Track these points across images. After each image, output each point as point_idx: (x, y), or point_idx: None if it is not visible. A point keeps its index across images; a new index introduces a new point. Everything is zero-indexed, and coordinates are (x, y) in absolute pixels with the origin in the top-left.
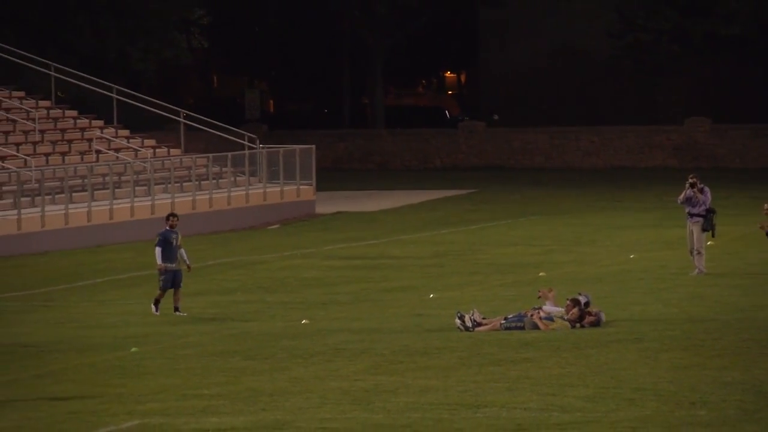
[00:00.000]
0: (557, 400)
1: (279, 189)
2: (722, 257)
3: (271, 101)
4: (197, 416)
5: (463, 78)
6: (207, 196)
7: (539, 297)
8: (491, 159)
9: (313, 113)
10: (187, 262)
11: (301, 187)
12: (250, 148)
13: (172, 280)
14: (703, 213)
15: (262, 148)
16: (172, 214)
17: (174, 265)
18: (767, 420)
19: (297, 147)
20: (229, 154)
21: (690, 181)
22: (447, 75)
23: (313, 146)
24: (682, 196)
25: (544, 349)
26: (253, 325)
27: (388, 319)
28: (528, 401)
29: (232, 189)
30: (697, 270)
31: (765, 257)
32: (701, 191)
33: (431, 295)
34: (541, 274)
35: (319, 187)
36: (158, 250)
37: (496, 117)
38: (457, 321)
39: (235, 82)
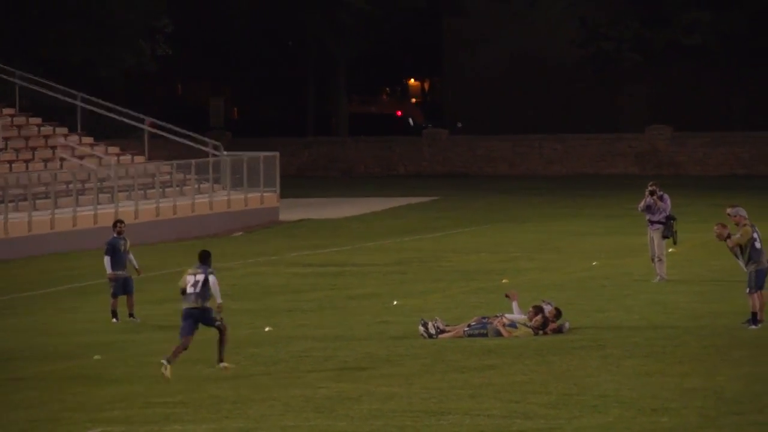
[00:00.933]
0: (520, 407)
1: (243, 196)
2: (683, 264)
3: (236, 109)
4: (160, 424)
5: (426, 86)
6: (171, 204)
7: (507, 297)
8: (455, 166)
9: (278, 121)
10: (136, 267)
11: (265, 194)
12: (214, 155)
13: (123, 287)
14: (663, 220)
15: (226, 155)
16: (119, 221)
17: (124, 272)
18: (729, 426)
19: (261, 154)
20: (193, 161)
21: (650, 189)
22: (411, 83)
23: (277, 153)
24: (642, 204)
25: (507, 356)
26: (216, 333)
27: (351, 326)
28: (491, 408)
29: (196, 196)
30: (658, 277)
31: (725, 264)
32: (661, 198)
33: (395, 303)
34: (504, 281)
35: (283, 194)
36: (107, 259)
37: (459, 125)
38: (421, 328)
39: (199, 89)
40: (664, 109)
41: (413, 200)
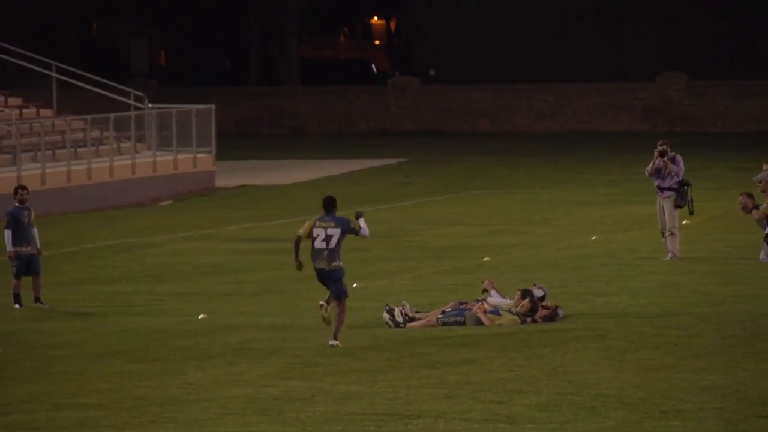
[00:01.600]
0: (504, 408)
1: (172, 158)
2: (700, 239)
3: (162, 53)
4: (73, 430)
5: (392, 25)
6: (85, 167)
7: (484, 290)
8: (426, 122)
9: (213, 67)
10: (38, 245)
11: (199, 155)
12: (136, 108)
13: (26, 266)
14: (676, 186)
15: (152, 108)
16: (21, 187)
17: (28, 248)
18: (752, 431)
19: (193, 107)
20: (112, 115)
21: (659, 149)
22: (374, 22)
23: (213, 106)
24: (650, 167)
25: (488, 349)
26: (140, 321)
27: (302, 313)
28: (469, 410)
29: (115, 158)
30: (670, 254)
31: (749, 239)
32: (673, 160)
33: (354, 285)
34: (485, 259)
35: (220, 156)
36: (8, 234)
37: (432, 72)
38: (386, 315)
39: (118, 29)
40: (677, 53)
41: (377, 163)
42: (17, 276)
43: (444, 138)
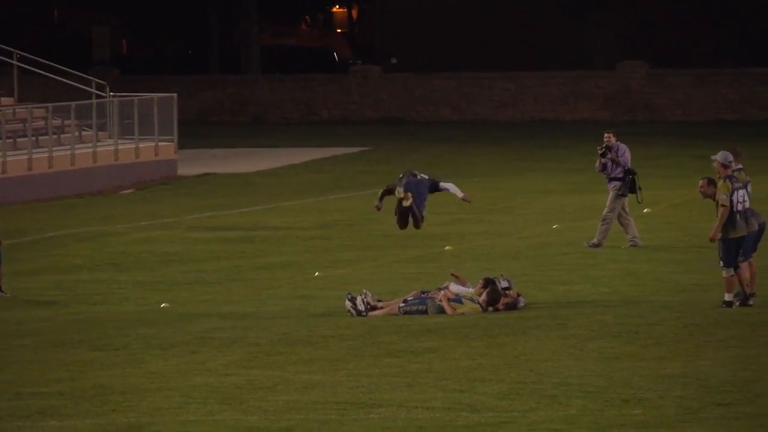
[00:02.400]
0: (466, 397)
1: (133, 146)
2: (661, 227)
3: (124, 41)
4: (33, 419)
5: (354, 13)
6: (46, 155)
7: (452, 275)
8: (388, 110)
9: (175, 56)
10: None
11: (160, 143)
12: (98, 96)
13: None
14: (621, 176)
15: (113, 96)
16: None
17: None
18: (713, 419)
19: (155, 95)
20: (73, 103)
21: (600, 151)
22: (335, 10)
23: (175, 95)
24: (597, 164)
25: (450, 338)
26: (101, 310)
27: (264, 301)
28: (431, 399)
29: (77, 146)
30: (595, 240)
31: (710, 227)
32: (617, 152)
33: (316, 274)
34: (447, 248)
35: (182, 144)
36: None
37: (394, 60)
38: (348, 304)
39: (80, 17)
40: (638, 41)
41: (339, 151)
42: None
43: (406, 126)
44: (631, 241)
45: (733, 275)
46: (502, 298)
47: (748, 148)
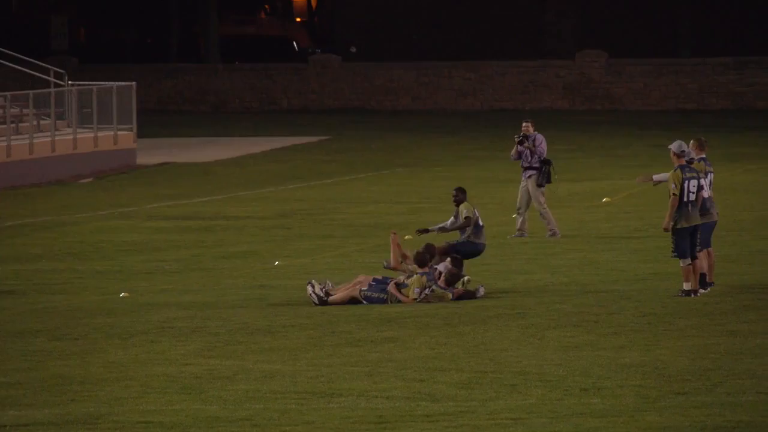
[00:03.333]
0: (425, 386)
1: (92, 135)
2: (619, 217)
3: (82, 29)
4: None
5: (314, 2)
6: (4, 144)
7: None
8: (348, 100)
9: (134, 44)
10: None
11: (119, 132)
12: (56, 85)
13: None
14: (538, 165)
15: (72, 85)
16: None
17: None
18: (672, 408)
19: (114, 84)
20: (31, 92)
21: (517, 139)
22: None
23: (134, 84)
24: (513, 152)
25: (410, 327)
26: (60, 299)
27: (224, 291)
28: (391, 388)
29: (35, 135)
30: (550, 232)
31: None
32: (534, 142)
33: (276, 263)
34: (407, 237)
35: (141, 133)
36: None
37: (354, 49)
38: (309, 289)
39: (38, 5)
40: (598, 31)
41: (298, 140)
42: None
43: (365, 115)
44: (517, 233)
45: (690, 264)
46: (445, 281)
47: (710, 139)
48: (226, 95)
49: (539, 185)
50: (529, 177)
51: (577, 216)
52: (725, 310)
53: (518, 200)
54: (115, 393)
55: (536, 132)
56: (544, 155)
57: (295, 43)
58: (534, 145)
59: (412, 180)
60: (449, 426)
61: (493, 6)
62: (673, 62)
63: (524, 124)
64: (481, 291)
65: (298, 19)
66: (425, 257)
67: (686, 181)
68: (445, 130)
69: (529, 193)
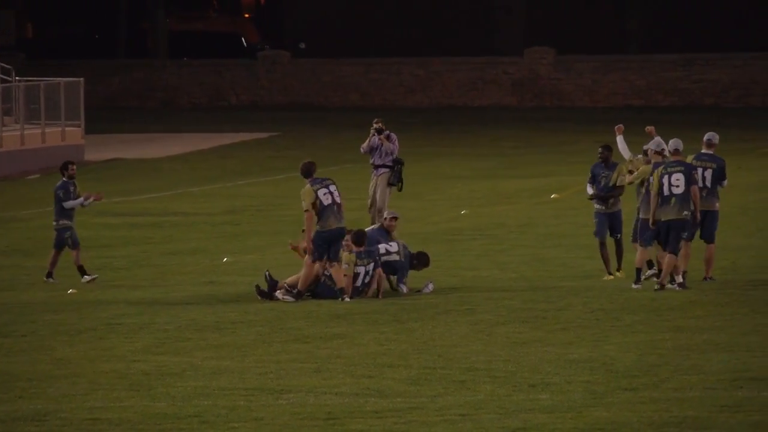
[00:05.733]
0: (374, 383)
1: (39, 131)
2: (567, 213)
3: (29, 25)
4: None
5: None
6: None
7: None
8: (297, 96)
9: (82, 40)
10: None
11: (67, 128)
12: (3, 81)
13: None
14: (390, 164)
15: (19, 81)
16: None
17: None
18: (619, 404)
19: (62, 80)
20: None
21: (375, 126)
22: None
23: (82, 79)
24: (366, 145)
25: (359, 323)
26: (7, 296)
27: (172, 287)
28: (340, 385)
29: None
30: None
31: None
32: (388, 138)
33: (225, 259)
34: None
35: (89, 129)
36: None
37: (302, 45)
38: (266, 275)
39: None
40: (545, 28)
41: (247, 136)
42: None
43: (314, 112)
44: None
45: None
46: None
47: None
48: (174, 91)
49: (390, 184)
50: (381, 174)
51: (525, 212)
52: (672, 306)
53: (369, 198)
54: (63, 390)
55: (389, 131)
56: (396, 154)
57: (243, 39)
58: (389, 141)
59: (360, 176)
60: (398, 422)
61: (442, 2)
62: (621, 59)
63: (375, 120)
64: (430, 287)
65: (246, 15)
66: (360, 237)
67: (667, 176)
68: (393, 126)
69: (378, 189)
